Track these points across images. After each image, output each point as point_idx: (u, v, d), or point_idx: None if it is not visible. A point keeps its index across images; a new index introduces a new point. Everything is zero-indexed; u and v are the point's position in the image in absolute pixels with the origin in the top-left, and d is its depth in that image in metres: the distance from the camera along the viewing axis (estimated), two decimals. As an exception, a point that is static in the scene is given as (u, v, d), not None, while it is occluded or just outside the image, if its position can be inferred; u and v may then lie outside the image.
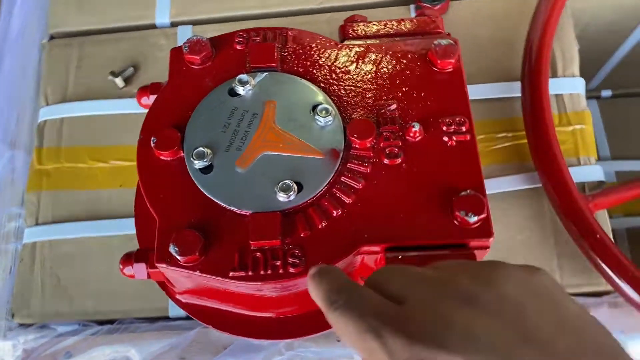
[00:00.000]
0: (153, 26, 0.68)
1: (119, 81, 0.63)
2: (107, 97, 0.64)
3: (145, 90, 0.48)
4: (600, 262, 0.50)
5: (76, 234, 0.59)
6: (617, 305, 0.52)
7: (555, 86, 0.58)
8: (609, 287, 0.53)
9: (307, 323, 0.48)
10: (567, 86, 0.59)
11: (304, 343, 0.53)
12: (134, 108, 0.63)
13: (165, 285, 0.47)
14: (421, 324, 0.24)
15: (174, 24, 0.68)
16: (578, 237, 0.51)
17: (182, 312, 0.56)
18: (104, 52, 0.66)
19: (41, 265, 0.58)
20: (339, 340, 0.53)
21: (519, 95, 0.58)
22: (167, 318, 0.57)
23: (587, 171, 0.57)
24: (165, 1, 0.68)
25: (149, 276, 0.42)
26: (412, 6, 0.65)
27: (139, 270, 0.42)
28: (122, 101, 0.63)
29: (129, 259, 0.42)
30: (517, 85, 0.58)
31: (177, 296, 0.47)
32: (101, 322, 0.57)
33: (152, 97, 0.48)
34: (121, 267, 0.42)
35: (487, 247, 0.39)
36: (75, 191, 0.61)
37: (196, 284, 0.42)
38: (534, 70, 0.57)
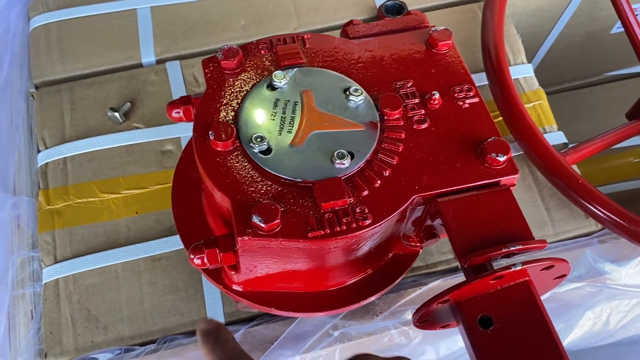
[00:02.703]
0: (140, 65, 0.71)
1: (119, 115, 0.65)
2: (106, 133, 0.66)
3: (175, 103, 0.52)
4: (586, 202, 0.58)
5: (100, 263, 0.59)
6: (605, 241, 0.61)
7: (511, 73, 0.69)
8: (595, 228, 0.62)
9: (354, 293, 0.52)
10: (520, 72, 0.70)
11: (347, 322, 0.56)
12: (137, 139, 0.65)
13: (221, 279, 0.50)
14: None
15: (159, 62, 0.72)
16: (563, 187, 0.60)
17: (221, 320, 0.58)
18: (96, 94, 0.69)
19: (68, 301, 0.58)
20: (377, 316, 0.57)
21: (486, 83, 0.67)
22: (207, 329, 0.58)
23: (552, 137, 0.67)
24: (149, 42, 0.72)
25: (220, 261, 0.44)
26: (376, 23, 0.74)
27: (211, 256, 0.44)
28: (124, 133, 0.66)
29: (198, 248, 0.44)
30: (483, 75, 0.68)
31: (234, 287, 0.50)
32: (141, 345, 0.57)
33: (183, 108, 0.51)
34: (192, 257, 0.44)
35: (513, 185, 0.46)
36: (91, 224, 0.61)
37: (268, 259, 0.45)
38: (495, 63, 0.67)
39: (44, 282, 0.59)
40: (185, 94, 0.69)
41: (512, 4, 0.75)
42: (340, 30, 0.73)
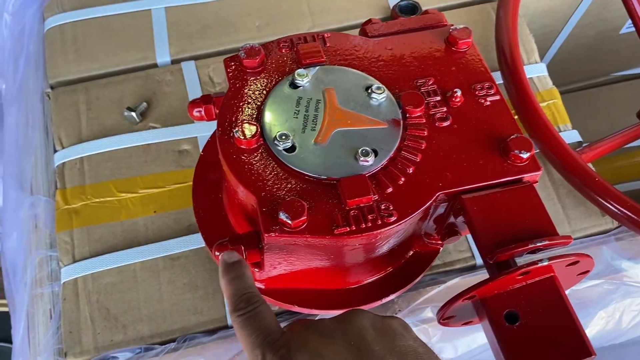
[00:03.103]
0: (155, 65, 0.72)
1: (136, 115, 0.65)
2: (122, 132, 0.66)
3: (196, 102, 0.52)
4: (603, 200, 0.59)
5: (118, 262, 0.59)
6: (622, 238, 0.61)
7: (525, 72, 0.69)
8: (611, 225, 0.62)
9: (375, 291, 0.52)
10: (533, 71, 0.71)
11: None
12: (153, 138, 0.66)
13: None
14: (289, 347, 0.34)
15: (174, 62, 0.72)
16: (579, 185, 0.60)
17: (240, 319, 0.58)
18: (111, 93, 0.69)
19: (87, 300, 0.58)
20: (395, 314, 0.57)
21: (501, 82, 0.67)
22: (226, 327, 0.58)
23: (567, 135, 0.67)
24: (164, 42, 0.72)
25: (245, 258, 0.45)
26: (390, 23, 0.74)
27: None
28: (141, 133, 0.66)
29: (223, 245, 0.45)
30: (498, 74, 0.68)
31: (256, 284, 0.50)
32: (161, 344, 0.57)
33: (205, 107, 0.52)
34: (217, 254, 0.45)
35: (536, 181, 0.46)
36: (109, 223, 0.62)
37: (292, 256, 0.45)
38: (510, 62, 0.67)
39: (62, 282, 0.59)
40: (200, 94, 0.69)
41: (524, 4, 0.76)
42: (354, 30, 0.74)
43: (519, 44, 0.72)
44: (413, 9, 0.73)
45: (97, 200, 0.62)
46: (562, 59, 0.96)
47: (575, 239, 0.62)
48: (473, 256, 0.61)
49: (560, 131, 0.67)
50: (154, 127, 0.66)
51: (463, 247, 0.61)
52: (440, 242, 0.52)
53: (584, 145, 0.66)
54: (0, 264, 0.68)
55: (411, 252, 0.52)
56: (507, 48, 0.68)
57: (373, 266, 0.50)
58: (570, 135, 0.67)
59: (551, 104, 0.69)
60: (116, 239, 0.61)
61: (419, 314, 0.57)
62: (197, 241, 0.60)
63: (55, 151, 0.66)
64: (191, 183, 0.57)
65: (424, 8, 0.73)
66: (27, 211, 0.63)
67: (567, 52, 0.96)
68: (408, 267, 0.52)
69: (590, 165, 0.64)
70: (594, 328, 0.65)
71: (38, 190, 0.64)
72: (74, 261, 0.60)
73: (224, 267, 0.38)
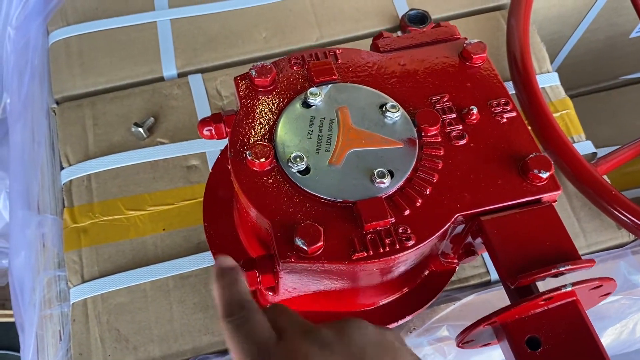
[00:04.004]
0: (161, 79, 0.71)
1: (143, 131, 0.65)
2: (130, 148, 0.65)
3: (206, 121, 0.51)
4: (619, 213, 0.58)
5: (128, 282, 0.58)
6: (639, 252, 0.60)
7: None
8: (627, 239, 0.61)
9: (391, 313, 0.51)
10: (546, 80, 0.69)
11: (381, 340, 0.55)
12: (161, 154, 0.65)
13: (256, 299, 0.49)
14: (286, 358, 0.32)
15: (181, 75, 0.71)
16: (596, 198, 0.59)
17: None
18: (118, 108, 0.68)
19: (97, 321, 0.57)
20: (410, 332, 0.57)
21: (513, 92, 0.66)
22: (238, 347, 0.57)
23: (581, 146, 0.66)
24: (170, 55, 0.71)
25: (259, 283, 0.44)
26: (399, 32, 0.73)
27: (251, 278, 0.43)
28: (149, 149, 0.65)
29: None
30: (509, 84, 0.67)
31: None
32: (172, 365, 0.56)
33: (215, 126, 0.51)
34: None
35: (555, 201, 0.45)
36: (118, 242, 0.61)
37: (307, 280, 0.44)
38: (522, 72, 0.66)
39: (72, 302, 0.58)
40: (208, 108, 0.68)
41: (534, 11, 0.75)
42: (362, 40, 0.73)
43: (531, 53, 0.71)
44: (422, 18, 0.72)
45: (105, 218, 0.62)
46: (571, 63, 0.95)
47: (590, 252, 0.61)
48: (488, 272, 0.60)
49: (574, 142, 0.66)
50: (162, 143, 0.66)
51: (477, 262, 0.60)
52: (456, 260, 0.51)
53: (597, 157, 0.65)
54: (8, 281, 0.68)
55: (427, 272, 0.51)
56: (519, 57, 0.67)
57: (388, 287, 0.50)
58: (584, 147, 0.66)
59: (564, 114, 0.68)
60: (125, 258, 0.60)
61: (434, 333, 0.56)
62: (207, 259, 0.59)
63: (62, 168, 0.65)
64: (200, 199, 0.56)
65: (432, 17, 0.73)
66: (35, 230, 0.62)
67: (576, 56, 0.95)
68: (424, 288, 0.51)
69: (605, 177, 0.63)
70: (607, 338, 0.64)
71: (45, 208, 0.64)
72: (83, 281, 0.59)
73: (219, 271, 0.35)
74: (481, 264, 0.60)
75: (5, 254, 0.87)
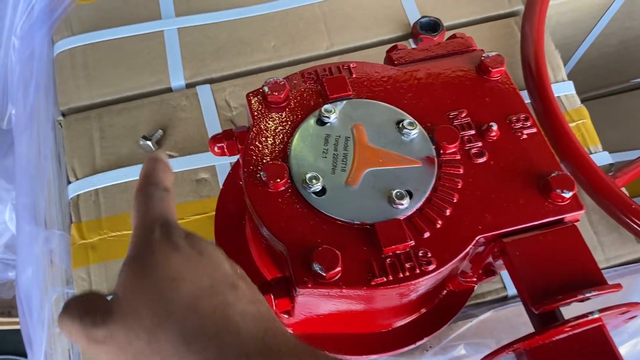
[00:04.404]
0: (169, 90, 0.69)
1: (152, 144, 0.63)
2: (138, 162, 0.64)
3: (218, 138, 0.50)
4: (639, 227, 0.56)
5: (138, 300, 0.57)
6: (659, 266, 0.59)
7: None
8: (647, 253, 0.60)
9: (409, 334, 0.50)
10: (561, 89, 0.68)
11: (397, 358, 0.54)
12: (170, 168, 0.64)
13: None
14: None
15: (189, 85, 0.70)
16: (614, 211, 0.58)
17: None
18: (125, 120, 0.67)
19: (107, 340, 0.56)
20: (426, 350, 0.55)
21: (528, 101, 0.65)
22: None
23: (597, 157, 0.64)
24: (178, 65, 0.70)
25: (274, 307, 0.43)
26: (410, 40, 0.72)
27: (267, 302, 0.42)
28: (158, 163, 0.64)
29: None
30: (524, 93, 0.66)
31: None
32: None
33: (227, 143, 0.49)
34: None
35: (577, 220, 0.44)
36: (127, 258, 0.60)
37: (323, 304, 0.43)
38: (537, 80, 0.65)
39: (80, 321, 0.57)
40: (217, 119, 0.67)
41: (547, 17, 0.73)
42: (374, 48, 0.72)
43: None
44: (434, 26, 0.70)
45: (114, 234, 0.60)
46: (582, 67, 0.94)
47: (609, 267, 0.60)
48: (505, 287, 0.59)
49: (591, 153, 0.65)
50: (171, 156, 0.64)
51: (494, 277, 0.59)
52: (475, 279, 0.50)
53: (613, 168, 0.64)
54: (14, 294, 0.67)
55: (445, 292, 0.50)
56: (533, 65, 0.66)
57: (406, 309, 0.48)
58: (601, 158, 0.64)
59: (580, 124, 0.66)
60: (134, 275, 0.59)
61: (451, 351, 0.55)
62: (218, 276, 0.58)
63: (69, 182, 0.64)
64: (211, 214, 0.55)
65: (444, 24, 0.71)
66: (42, 246, 0.61)
67: (588, 61, 0.94)
68: (442, 308, 0.50)
69: (624, 190, 0.62)
70: (622, 349, 0.63)
71: (52, 223, 0.63)
72: (92, 299, 0.58)
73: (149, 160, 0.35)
74: (498, 279, 0.59)
75: (12, 266, 0.86)
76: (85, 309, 0.29)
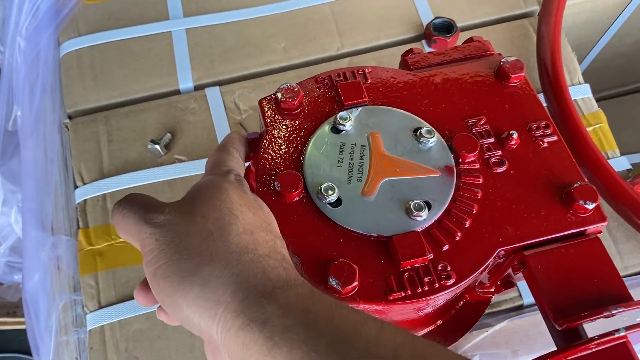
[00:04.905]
0: (177, 92, 0.68)
1: (160, 148, 0.62)
2: (146, 166, 0.63)
3: (229, 144, 0.48)
4: (661, 237, 0.55)
5: (146, 308, 0.56)
6: (679, 275, 0.57)
7: (569, 94, 0.65)
8: (666, 261, 0.59)
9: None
10: (578, 92, 0.67)
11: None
12: (179, 173, 0.62)
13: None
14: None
15: (197, 87, 0.68)
16: (633, 218, 0.56)
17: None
18: (133, 123, 0.66)
19: (115, 349, 0.55)
20: None
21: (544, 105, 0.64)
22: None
23: (615, 162, 0.63)
24: (186, 67, 0.69)
25: (289, 321, 0.41)
26: (423, 41, 0.70)
27: (280, 316, 0.41)
28: (166, 168, 0.63)
29: None
30: (540, 96, 0.64)
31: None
32: (193, 395, 0.54)
33: (238, 150, 0.48)
34: None
35: (600, 232, 0.43)
36: (135, 266, 0.59)
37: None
38: (554, 83, 0.63)
39: (88, 329, 0.56)
40: (227, 123, 0.66)
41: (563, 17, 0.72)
42: (385, 50, 0.71)
43: (562, 63, 0.68)
44: (448, 27, 0.69)
45: (122, 240, 0.59)
46: (595, 67, 0.92)
47: (627, 275, 0.59)
48: (520, 296, 0.57)
49: (608, 158, 0.63)
50: (180, 160, 0.63)
51: (509, 286, 0.58)
52: (492, 290, 0.48)
53: (631, 174, 0.62)
54: (20, 297, 0.66)
55: (462, 303, 0.49)
56: (550, 67, 0.64)
57: (422, 321, 0.47)
58: (619, 163, 0.63)
59: (597, 128, 0.65)
60: (143, 282, 0.58)
61: (466, 362, 0.53)
62: (228, 284, 0.57)
63: (76, 187, 0.63)
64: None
65: (458, 25, 0.70)
66: (49, 252, 0.60)
67: (602, 60, 0.92)
68: (458, 319, 0.49)
69: (639, 193, 0.60)
70: None
71: (59, 229, 0.61)
72: (100, 307, 0.57)
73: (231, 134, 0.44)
74: (513, 288, 0.57)
75: (17, 269, 0.85)
76: (147, 199, 0.35)
